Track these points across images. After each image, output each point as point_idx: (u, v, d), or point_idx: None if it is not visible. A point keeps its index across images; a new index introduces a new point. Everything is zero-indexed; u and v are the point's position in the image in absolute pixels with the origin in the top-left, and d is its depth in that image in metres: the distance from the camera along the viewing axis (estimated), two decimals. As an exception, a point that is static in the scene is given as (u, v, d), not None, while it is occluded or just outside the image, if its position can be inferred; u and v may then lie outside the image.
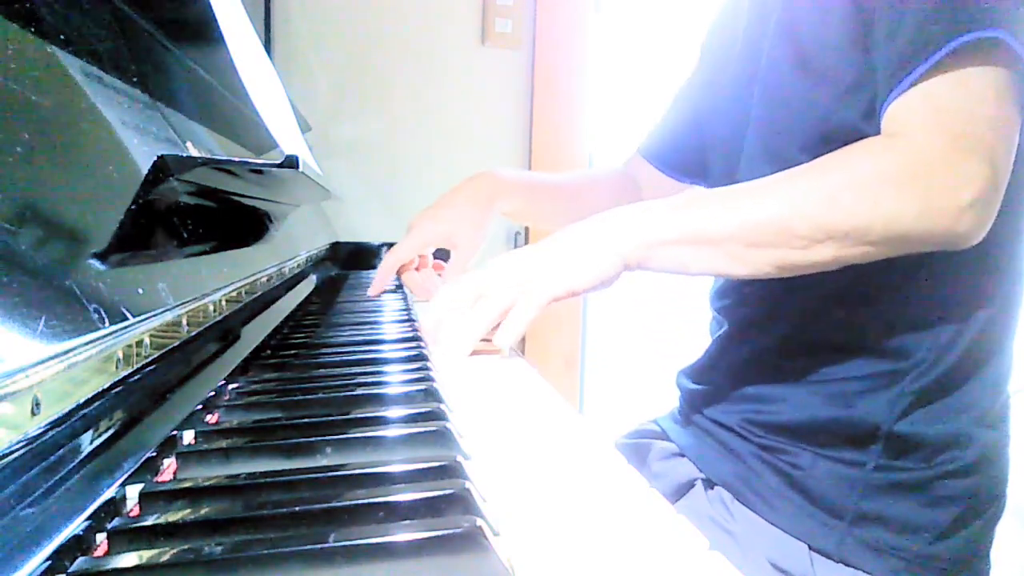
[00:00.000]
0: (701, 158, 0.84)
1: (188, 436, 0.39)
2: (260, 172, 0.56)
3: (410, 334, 0.66)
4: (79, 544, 0.27)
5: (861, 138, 0.59)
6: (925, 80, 0.53)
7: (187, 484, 0.32)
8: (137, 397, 0.37)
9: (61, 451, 0.29)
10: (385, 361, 0.56)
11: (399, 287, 1.02)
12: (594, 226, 0.60)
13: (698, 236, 0.57)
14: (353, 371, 0.53)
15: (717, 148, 0.78)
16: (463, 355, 0.59)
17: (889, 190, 0.52)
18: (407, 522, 0.28)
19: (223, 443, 0.37)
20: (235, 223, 0.67)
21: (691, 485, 0.74)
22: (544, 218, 0.96)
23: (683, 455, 0.78)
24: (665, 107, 0.94)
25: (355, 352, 0.60)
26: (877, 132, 0.58)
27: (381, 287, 0.92)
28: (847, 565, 0.62)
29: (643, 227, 0.58)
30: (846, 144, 0.59)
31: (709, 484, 0.73)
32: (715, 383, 0.76)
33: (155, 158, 0.40)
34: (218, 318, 0.49)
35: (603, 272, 0.58)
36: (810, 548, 0.63)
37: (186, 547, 0.26)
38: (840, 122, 0.61)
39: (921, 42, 0.52)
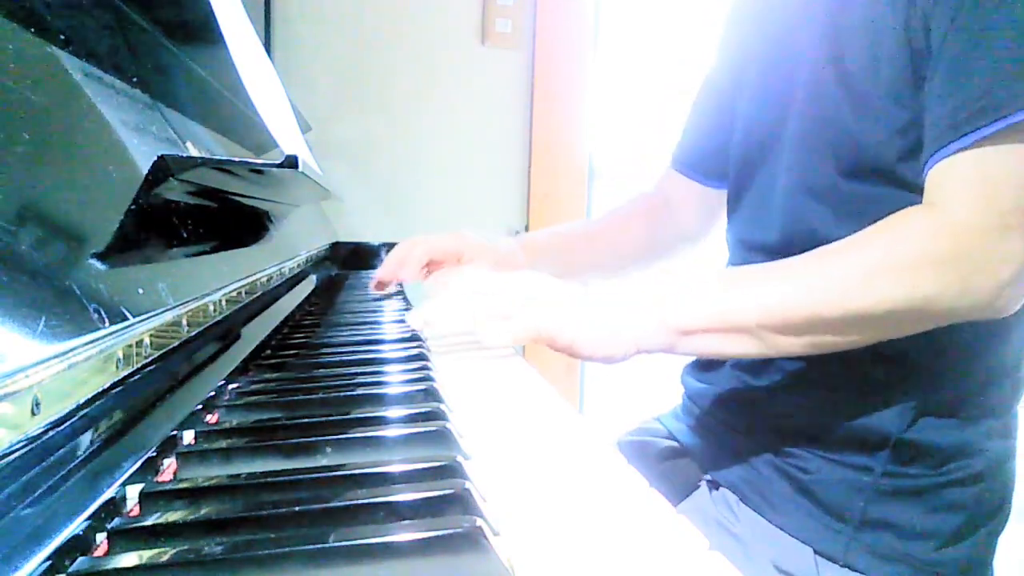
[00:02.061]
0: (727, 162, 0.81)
1: (188, 436, 0.39)
2: (260, 172, 0.56)
3: (410, 334, 0.66)
4: (79, 544, 0.27)
5: (897, 178, 0.58)
6: (980, 147, 0.51)
7: (187, 484, 0.32)
8: (137, 397, 0.37)
9: (61, 451, 0.29)
10: (385, 361, 0.56)
11: (401, 290, 1.01)
12: (620, 307, 0.57)
13: (724, 324, 0.55)
14: (353, 371, 0.53)
15: (744, 155, 0.76)
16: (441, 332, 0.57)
17: (928, 272, 0.51)
18: (407, 522, 0.28)
19: (223, 443, 0.37)
20: (235, 223, 0.67)
21: (696, 486, 0.74)
22: (581, 271, 0.94)
23: (687, 455, 0.78)
24: (690, 111, 0.91)
25: (355, 352, 0.60)
26: (914, 175, 0.57)
27: (398, 279, 0.88)
28: (852, 570, 0.62)
29: (667, 317, 0.55)
30: (883, 177, 0.58)
31: (714, 485, 0.73)
32: (722, 383, 0.75)
33: (155, 158, 0.40)
34: (218, 318, 0.49)
35: (613, 353, 0.56)
36: (815, 552, 0.63)
37: (186, 547, 0.26)
38: (884, 160, 0.60)
39: (984, 105, 0.51)
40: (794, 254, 0.68)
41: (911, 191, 0.59)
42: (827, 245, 0.55)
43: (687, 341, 0.56)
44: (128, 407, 0.36)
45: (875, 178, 0.60)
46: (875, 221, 0.61)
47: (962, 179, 0.52)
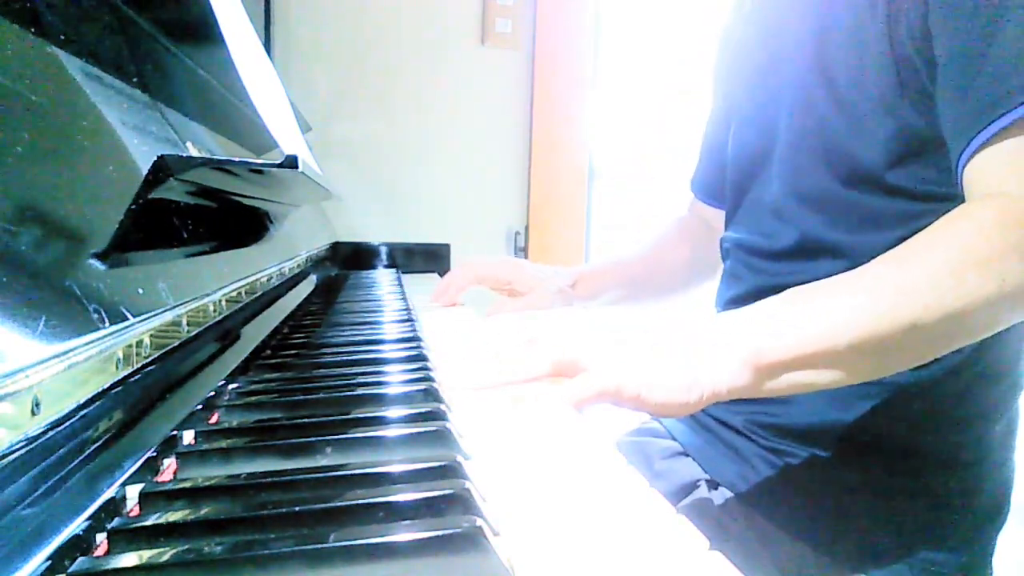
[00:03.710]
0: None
1: (188, 436, 0.39)
2: (260, 172, 0.56)
3: (410, 334, 0.66)
4: (79, 544, 0.26)
5: (886, 185, 0.59)
6: (1014, 129, 0.48)
7: (187, 484, 0.32)
8: (137, 397, 0.37)
9: (61, 451, 0.29)
10: (385, 361, 0.56)
11: (401, 286, 1.02)
12: (689, 346, 0.49)
13: (813, 350, 0.47)
14: (353, 371, 0.53)
15: (739, 166, 0.77)
16: (477, 388, 0.52)
17: (1014, 260, 0.46)
18: (407, 522, 0.28)
19: (223, 443, 0.37)
20: (235, 223, 0.67)
21: (695, 485, 0.74)
22: (645, 297, 0.97)
23: (687, 454, 0.78)
24: (701, 140, 0.94)
25: (355, 352, 0.60)
26: (904, 182, 0.57)
27: (447, 299, 0.93)
28: (850, 570, 0.62)
29: (748, 352, 0.47)
30: (873, 185, 0.59)
31: (713, 485, 0.73)
32: None
33: (155, 158, 0.40)
34: (218, 318, 0.49)
35: (687, 400, 0.47)
36: (814, 552, 0.63)
37: (186, 547, 0.26)
38: (874, 168, 0.60)
39: (1015, 84, 0.48)
40: (791, 258, 0.68)
41: (902, 198, 0.59)
42: (883, 255, 0.49)
43: (771, 381, 0.48)
44: (128, 407, 0.35)
45: (866, 185, 0.61)
46: (868, 227, 0.62)
47: (1006, 163, 0.49)
